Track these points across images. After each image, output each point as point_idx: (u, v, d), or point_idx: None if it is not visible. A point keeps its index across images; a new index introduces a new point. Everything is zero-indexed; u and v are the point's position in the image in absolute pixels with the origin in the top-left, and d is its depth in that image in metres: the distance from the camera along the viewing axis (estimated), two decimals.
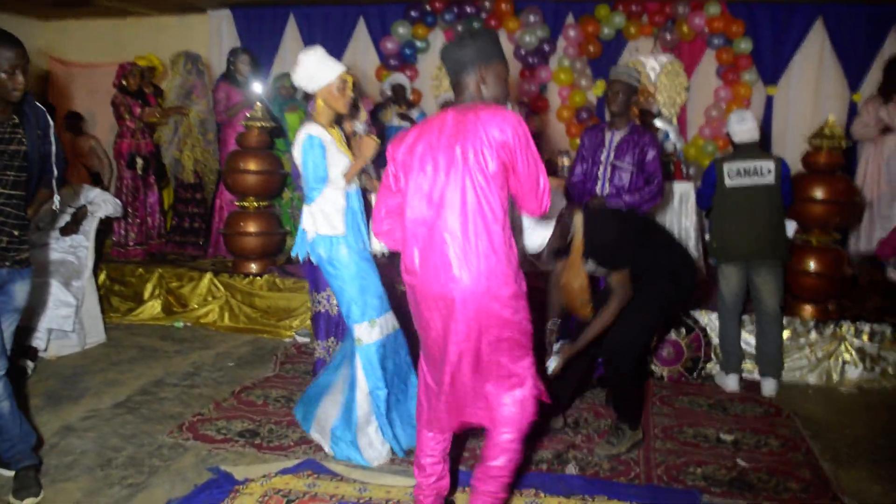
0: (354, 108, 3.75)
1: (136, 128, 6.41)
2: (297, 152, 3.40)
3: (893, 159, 6.13)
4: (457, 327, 2.51)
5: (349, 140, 3.72)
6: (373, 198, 3.93)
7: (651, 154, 4.24)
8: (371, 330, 3.44)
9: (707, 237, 5.36)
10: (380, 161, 4.03)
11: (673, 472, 3.47)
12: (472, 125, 2.42)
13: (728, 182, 4.44)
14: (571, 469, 3.44)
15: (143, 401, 4.21)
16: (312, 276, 4.20)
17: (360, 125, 3.49)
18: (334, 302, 4.08)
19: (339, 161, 3.43)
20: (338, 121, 3.62)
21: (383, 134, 7.03)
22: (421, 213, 2.54)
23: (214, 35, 9.04)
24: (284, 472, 3.35)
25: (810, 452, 3.67)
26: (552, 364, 3.53)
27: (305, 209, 3.44)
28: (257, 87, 6.70)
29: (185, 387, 4.47)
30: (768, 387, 4.55)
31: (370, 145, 3.44)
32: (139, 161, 6.42)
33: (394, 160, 2.64)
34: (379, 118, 7.18)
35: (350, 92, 3.46)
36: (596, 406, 4.23)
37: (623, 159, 4.27)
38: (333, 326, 4.26)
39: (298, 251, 3.54)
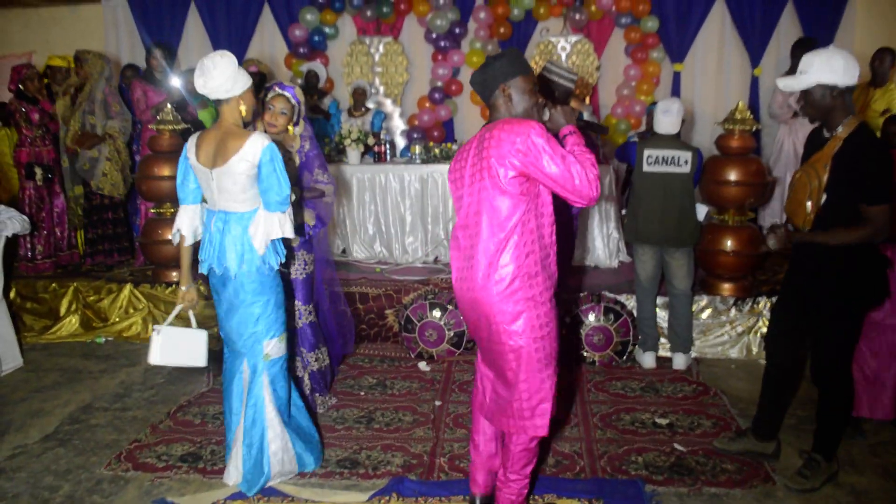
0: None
1: (36, 135, 6.06)
2: (266, 158, 3.08)
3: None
4: (479, 332, 2.80)
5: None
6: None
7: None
8: (280, 344, 3.36)
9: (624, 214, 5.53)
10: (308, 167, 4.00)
11: (616, 462, 3.59)
12: (494, 141, 2.57)
13: (646, 167, 4.57)
14: None
15: (73, 430, 4.04)
16: (303, 288, 4.07)
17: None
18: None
19: None
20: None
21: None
22: (460, 223, 2.78)
23: (110, 27, 8.63)
24: (234, 497, 3.30)
25: (740, 431, 3.85)
26: (770, 242, 3.35)
27: (276, 217, 3.17)
28: (176, 82, 6.39)
29: (117, 410, 4.31)
30: (678, 361, 4.82)
31: None
32: (38, 171, 6.07)
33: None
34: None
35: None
36: None
37: None
38: (321, 334, 4.24)
39: (248, 263, 3.20)
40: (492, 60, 2.72)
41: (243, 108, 3.20)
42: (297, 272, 4.00)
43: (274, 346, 3.33)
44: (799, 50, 6.26)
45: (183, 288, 3.46)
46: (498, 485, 3.00)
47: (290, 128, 3.85)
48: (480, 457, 3.08)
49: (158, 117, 5.54)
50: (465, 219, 2.73)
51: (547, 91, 4.04)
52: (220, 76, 3.09)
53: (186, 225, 3.32)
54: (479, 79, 2.75)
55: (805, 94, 3.11)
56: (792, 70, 6.35)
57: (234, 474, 3.36)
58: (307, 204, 3.97)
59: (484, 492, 3.10)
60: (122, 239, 6.50)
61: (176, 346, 3.47)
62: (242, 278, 3.20)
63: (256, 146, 3.08)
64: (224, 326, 3.36)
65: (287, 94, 3.75)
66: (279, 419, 3.36)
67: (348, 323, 4.72)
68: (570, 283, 5.35)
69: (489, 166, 2.57)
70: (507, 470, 2.93)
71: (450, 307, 4.97)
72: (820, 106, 3.07)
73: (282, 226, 3.18)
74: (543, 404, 2.74)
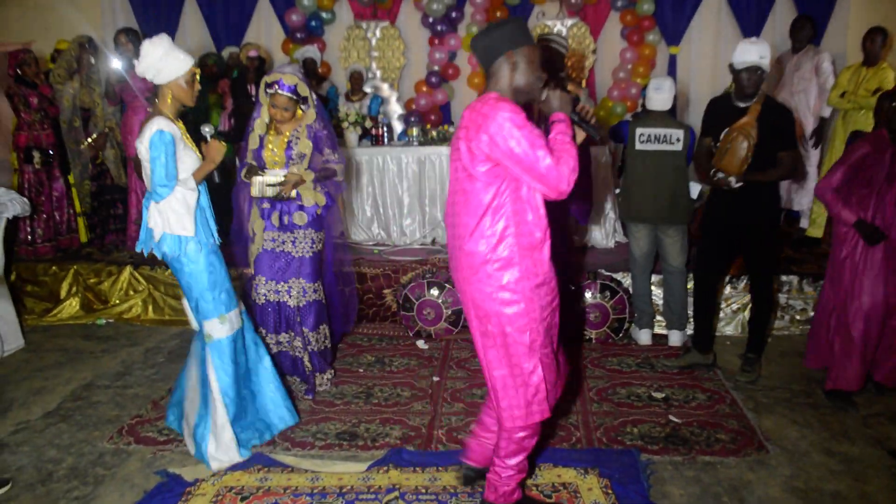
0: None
1: (34, 119, 6.08)
2: (144, 147, 3.13)
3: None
4: (466, 311, 2.73)
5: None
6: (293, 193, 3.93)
7: None
8: (221, 325, 3.37)
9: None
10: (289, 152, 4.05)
11: (612, 433, 3.64)
12: (472, 120, 2.49)
13: (638, 145, 4.61)
14: None
15: (75, 407, 4.10)
16: (310, 265, 4.09)
17: (205, 128, 3.36)
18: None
19: (186, 157, 3.24)
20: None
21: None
22: (448, 199, 2.72)
23: (107, 14, 8.62)
24: (234, 468, 3.35)
25: (735, 403, 3.93)
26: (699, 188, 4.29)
27: (152, 207, 3.21)
28: None
29: (118, 388, 4.36)
30: (674, 338, 4.87)
31: (219, 149, 3.30)
32: (36, 155, 6.10)
33: None
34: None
35: (198, 85, 3.30)
36: None
37: None
38: (325, 313, 4.25)
39: (143, 247, 3.31)
40: (498, 25, 2.55)
41: (169, 99, 3.21)
42: (304, 250, 4.04)
43: (212, 327, 3.36)
44: (806, 26, 6.37)
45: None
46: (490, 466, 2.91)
47: (298, 111, 3.96)
48: (480, 427, 3.09)
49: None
50: (451, 196, 2.68)
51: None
52: (144, 60, 3.13)
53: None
54: (484, 43, 2.56)
55: (757, 73, 3.96)
56: (798, 45, 6.42)
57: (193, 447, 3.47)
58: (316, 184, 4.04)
59: (475, 464, 3.11)
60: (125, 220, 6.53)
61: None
62: (167, 261, 3.34)
63: (149, 130, 3.12)
64: None
65: (285, 94, 3.79)
66: (222, 404, 3.40)
67: (352, 302, 4.79)
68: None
69: (459, 148, 2.54)
70: (494, 454, 2.84)
71: (447, 286, 5.01)
72: (760, 82, 4.00)
73: (161, 215, 3.20)
74: (516, 396, 2.65)
